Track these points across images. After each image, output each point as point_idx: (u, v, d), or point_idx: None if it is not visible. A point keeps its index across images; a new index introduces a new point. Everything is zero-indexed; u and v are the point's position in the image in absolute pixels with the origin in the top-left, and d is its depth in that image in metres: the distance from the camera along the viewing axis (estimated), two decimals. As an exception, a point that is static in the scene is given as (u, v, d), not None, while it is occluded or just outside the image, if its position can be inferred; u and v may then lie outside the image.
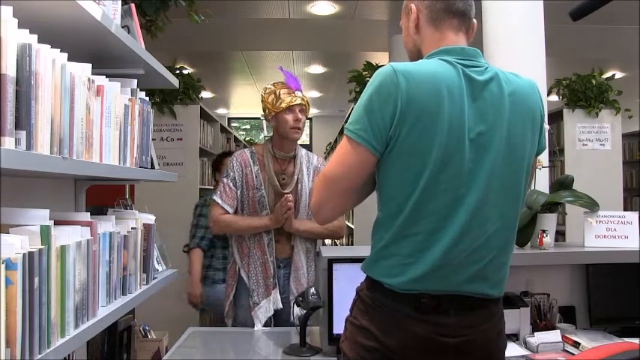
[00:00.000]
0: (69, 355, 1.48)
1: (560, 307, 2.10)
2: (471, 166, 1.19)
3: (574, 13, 1.30)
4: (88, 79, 1.18)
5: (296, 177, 2.37)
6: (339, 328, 1.84)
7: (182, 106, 4.08)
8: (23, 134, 0.91)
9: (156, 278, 1.67)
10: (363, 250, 2.29)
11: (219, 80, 8.79)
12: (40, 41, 0.98)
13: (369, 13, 5.58)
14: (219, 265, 3.26)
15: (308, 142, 12.04)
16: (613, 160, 4.58)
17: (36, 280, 0.94)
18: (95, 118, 1.21)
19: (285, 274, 2.38)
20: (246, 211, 2.34)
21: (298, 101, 2.31)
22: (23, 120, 0.91)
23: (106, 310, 1.28)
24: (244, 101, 10.32)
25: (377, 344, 1.21)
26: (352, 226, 4.76)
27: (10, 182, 1.24)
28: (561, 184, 2.27)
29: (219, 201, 2.32)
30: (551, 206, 2.17)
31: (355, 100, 4.42)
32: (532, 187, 2.19)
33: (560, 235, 3.90)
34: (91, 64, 1.20)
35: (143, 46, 1.55)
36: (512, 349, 1.81)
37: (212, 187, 4.00)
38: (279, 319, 2.37)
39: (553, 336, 1.88)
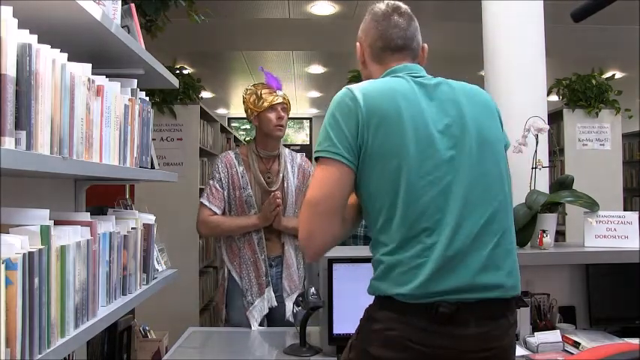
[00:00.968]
0: (69, 355, 1.48)
1: (560, 307, 2.10)
2: (451, 154, 1.22)
3: (575, 14, 1.30)
4: (88, 79, 1.18)
5: (281, 175, 2.41)
6: (339, 328, 1.84)
7: (182, 106, 4.08)
8: (23, 134, 0.91)
9: (156, 278, 1.67)
10: (363, 250, 2.29)
11: (219, 80, 8.78)
12: (40, 41, 0.98)
13: (369, 13, 5.57)
14: None
15: (308, 142, 12.03)
16: (613, 160, 4.58)
17: (36, 280, 0.94)
18: (95, 118, 1.21)
19: (277, 272, 2.41)
20: (234, 212, 2.36)
21: (280, 100, 2.38)
22: (23, 120, 0.91)
23: (106, 310, 1.28)
24: (244, 101, 10.30)
25: None
26: (352, 226, 4.76)
27: (10, 182, 1.24)
28: (561, 184, 2.27)
29: (207, 203, 2.34)
30: (551, 206, 2.17)
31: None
32: (532, 187, 2.19)
33: (560, 235, 3.90)
34: (91, 64, 1.20)
35: (143, 46, 1.55)
36: (512, 349, 1.81)
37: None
38: (272, 317, 2.39)
39: (553, 336, 1.88)
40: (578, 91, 4.53)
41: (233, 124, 11.77)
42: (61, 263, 1.05)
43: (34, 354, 0.93)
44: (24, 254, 0.90)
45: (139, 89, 1.52)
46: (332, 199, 1.24)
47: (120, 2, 1.44)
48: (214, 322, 4.06)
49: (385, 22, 1.40)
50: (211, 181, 2.37)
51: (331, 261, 1.86)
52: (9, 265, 0.86)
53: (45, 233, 0.99)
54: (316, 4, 5.29)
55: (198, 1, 2.88)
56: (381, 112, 1.22)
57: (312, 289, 1.89)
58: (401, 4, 1.44)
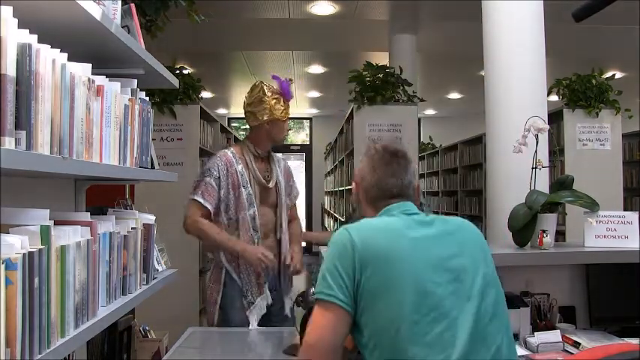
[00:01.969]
0: (69, 355, 1.48)
1: (560, 307, 2.10)
2: (452, 288, 1.22)
3: (577, 14, 1.30)
4: (88, 79, 1.18)
5: (274, 173, 2.50)
6: (339, 328, 1.84)
7: (182, 106, 4.08)
8: (23, 134, 0.91)
9: (156, 278, 1.67)
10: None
11: (219, 80, 8.79)
12: (40, 41, 0.98)
13: (369, 13, 5.58)
14: None
15: (308, 142, 12.04)
16: (613, 160, 4.58)
17: (36, 280, 0.94)
18: (95, 118, 1.21)
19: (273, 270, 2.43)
20: (232, 211, 2.36)
21: (289, 112, 2.52)
22: (23, 120, 0.91)
23: (106, 310, 1.28)
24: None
25: None
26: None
27: (10, 182, 1.24)
28: (561, 184, 2.26)
29: (201, 200, 2.32)
30: (551, 206, 2.16)
31: (355, 100, 4.42)
32: (532, 187, 2.19)
33: (560, 235, 3.90)
34: (91, 64, 1.19)
35: (143, 46, 1.55)
36: (512, 349, 1.80)
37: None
38: (269, 314, 2.40)
39: (553, 336, 1.88)
40: (578, 91, 4.53)
41: (233, 124, 11.78)
42: (61, 263, 1.05)
43: (34, 354, 0.93)
44: (24, 254, 0.90)
45: (138, 89, 1.52)
46: (326, 342, 1.24)
47: (120, 2, 1.44)
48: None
49: (381, 169, 1.42)
50: (207, 178, 2.34)
51: (331, 261, 1.86)
52: (9, 265, 0.86)
53: (45, 233, 0.99)
54: (316, 4, 5.29)
55: (199, 1, 2.88)
56: (377, 252, 1.24)
57: (312, 289, 1.89)
58: (398, 146, 1.45)
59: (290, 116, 2.52)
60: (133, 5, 1.58)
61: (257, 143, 2.46)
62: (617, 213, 2.13)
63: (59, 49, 1.05)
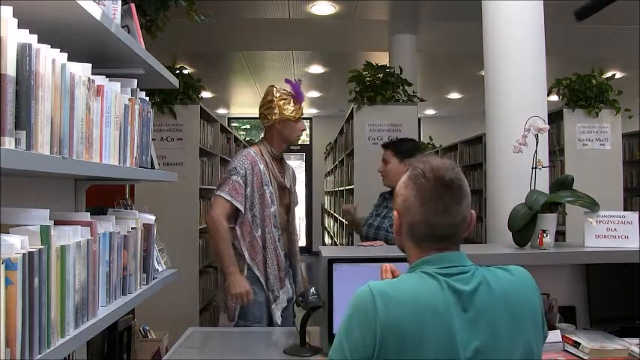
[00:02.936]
0: (69, 355, 1.48)
1: (560, 307, 2.10)
2: None
3: (579, 13, 1.30)
4: (88, 79, 1.18)
5: (287, 175, 2.63)
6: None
7: (182, 106, 4.08)
8: (23, 134, 0.91)
9: (156, 278, 1.67)
10: (363, 250, 2.29)
11: (219, 80, 8.79)
12: (40, 41, 0.98)
13: (369, 13, 5.58)
14: None
15: (308, 142, 12.04)
16: (613, 160, 4.58)
17: (36, 280, 0.94)
18: (95, 118, 1.21)
19: (286, 265, 2.56)
20: (257, 209, 2.43)
21: (302, 113, 2.61)
22: (23, 120, 0.91)
23: (106, 310, 1.28)
24: (244, 101, 10.32)
25: None
26: (352, 226, 4.76)
27: (10, 182, 1.24)
28: (561, 184, 2.26)
29: (229, 197, 2.38)
30: (551, 206, 2.16)
31: (355, 100, 4.42)
32: (532, 187, 2.19)
33: (560, 235, 3.90)
34: (91, 64, 1.19)
35: (143, 46, 1.55)
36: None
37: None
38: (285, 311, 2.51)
39: (553, 336, 1.88)
40: (578, 91, 4.53)
41: (233, 124, 11.77)
42: (61, 263, 1.05)
43: (34, 354, 0.93)
44: (24, 254, 0.90)
45: (139, 89, 1.52)
46: None
47: (120, 2, 1.44)
48: (214, 322, 4.06)
49: (431, 204, 1.16)
50: (234, 177, 2.41)
51: (331, 261, 1.86)
52: (9, 265, 0.86)
53: (45, 233, 0.99)
54: (316, 4, 5.29)
55: (199, 1, 2.88)
56: (401, 331, 1.06)
57: (312, 289, 1.89)
58: (452, 174, 1.17)
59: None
60: (133, 5, 1.58)
61: (272, 144, 2.55)
62: (617, 213, 2.13)
63: (59, 49, 1.05)
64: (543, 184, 2.51)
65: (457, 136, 7.96)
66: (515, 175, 2.70)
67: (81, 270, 1.15)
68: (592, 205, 2.14)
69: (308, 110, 11.18)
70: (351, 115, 4.60)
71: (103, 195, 1.94)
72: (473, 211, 1.21)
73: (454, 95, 10.06)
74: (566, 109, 4.58)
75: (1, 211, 1.02)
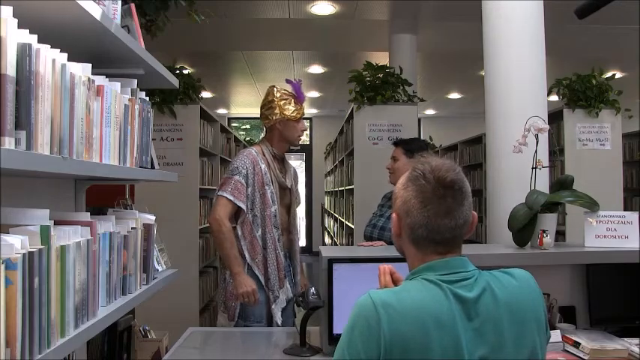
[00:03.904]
0: (69, 355, 1.48)
1: (560, 307, 2.10)
2: None
3: (579, 12, 1.29)
4: (88, 79, 1.18)
5: (289, 175, 2.63)
6: (339, 328, 1.84)
7: (182, 106, 4.08)
8: (23, 134, 0.91)
9: (156, 278, 1.67)
10: (364, 250, 2.29)
11: (219, 80, 8.79)
12: (40, 41, 0.98)
13: (369, 13, 5.58)
14: None
15: (308, 142, 12.04)
16: (613, 160, 4.58)
17: (36, 280, 0.94)
18: (95, 118, 1.21)
19: (286, 265, 2.55)
20: (258, 209, 2.44)
21: (304, 113, 2.60)
22: (23, 120, 0.91)
23: (106, 310, 1.28)
24: (244, 101, 10.32)
25: None
26: (352, 226, 4.76)
27: (10, 182, 1.24)
28: (561, 184, 2.27)
29: (232, 197, 2.38)
30: (551, 206, 2.17)
31: (355, 100, 4.42)
32: (532, 187, 2.19)
33: (560, 235, 3.90)
34: (91, 64, 1.19)
35: (143, 46, 1.55)
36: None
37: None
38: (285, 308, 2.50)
39: (553, 336, 1.88)
40: (578, 91, 4.54)
41: (233, 124, 11.77)
42: (61, 263, 1.05)
43: (34, 354, 0.93)
44: (24, 254, 0.90)
45: (139, 89, 1.52)
46: None
47: (120, 2, 1.44)
48: (214, 322, 4.06)
49: (433, 207, 1.13)
50: (236, 177, 2.41)
51: (331, 261, 1.86)
52: (9, 265, 0.86)
53: (45, 233, 0.99)
54: (316, 4, 5.29)
55: (199, 1, 2.88)
56: (406, 344, 1.03)
57: (312, 289, 1.89)
58: (453, 175, 1.14)
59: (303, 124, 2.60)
60: (133, 5, 1.58)
61: (273, 144, 2.56)
62: (617, 213, 2.13)
63: (59, 49, 1.05)
64: (543, 184, 2.51)
65: (457, 136, 7.96)
66: (515, 175, 2.70)
67: (81, 270, 1.15)
68: (592, 205, 2.14)
69: (308, 110, 11.18)
70: (351, 115, 4.60)
71: (103, 195, 1.95)
72: (474, 213, 1.19)
73: (454, 95, 10.06)
74: (566, 109, 4.58)
75: (1, 211, 1.02)
